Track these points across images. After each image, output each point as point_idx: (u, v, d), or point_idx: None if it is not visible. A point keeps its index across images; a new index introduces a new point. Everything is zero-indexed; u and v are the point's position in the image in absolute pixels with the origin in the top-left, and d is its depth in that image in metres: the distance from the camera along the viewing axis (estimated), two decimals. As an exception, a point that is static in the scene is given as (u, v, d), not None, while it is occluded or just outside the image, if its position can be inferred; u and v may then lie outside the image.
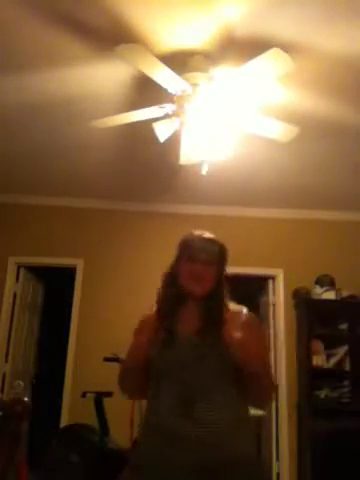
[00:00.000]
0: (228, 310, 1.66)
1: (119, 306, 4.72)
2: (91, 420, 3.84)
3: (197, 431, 1.50)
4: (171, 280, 1.70)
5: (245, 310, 1.69)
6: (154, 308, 1.73)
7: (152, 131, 2.86)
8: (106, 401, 3.83)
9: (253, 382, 1.57)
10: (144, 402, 3.42)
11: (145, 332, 1.67)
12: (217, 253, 1.69)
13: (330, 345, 4.47)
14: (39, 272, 5.25)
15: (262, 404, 2.38)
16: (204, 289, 1.65)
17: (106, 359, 3.78)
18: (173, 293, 1.68)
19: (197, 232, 1.74)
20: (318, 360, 4.41)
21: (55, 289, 5.60)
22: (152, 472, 1.54)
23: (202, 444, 1.50)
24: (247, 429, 1.62)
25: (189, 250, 1.67)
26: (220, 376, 1.58)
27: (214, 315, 1.62)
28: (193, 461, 1.49)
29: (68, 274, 4.88)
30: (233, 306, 1.70)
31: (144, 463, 1.58)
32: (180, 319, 1.64)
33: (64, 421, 4.42)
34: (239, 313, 1.67)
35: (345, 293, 4.57)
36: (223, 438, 1.52)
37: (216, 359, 1.57)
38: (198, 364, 1.56)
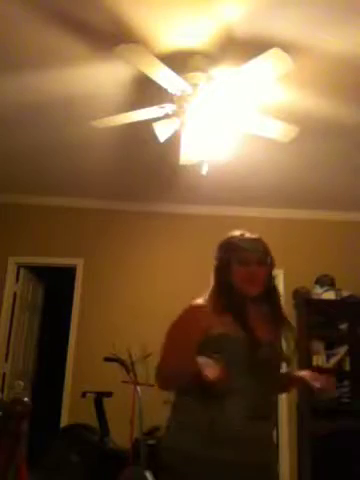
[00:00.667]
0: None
1: (119, 306, 4.72)
2: (91, 420, 3.85)
3: (265, 432, 1.56)
4: (226, 281, 1.66)
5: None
6: (201, 304, 1.65)
7: (152, 131, 2.85)
8: (106, 401, 3.84)
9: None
10: (145, 403, 3.40)
11: (196, 328, 1.58)
12: (266, 252, 1.68)
13: (330, 345, 4.47)
14: (39, 272, 5.25)
15: None
16: (259, 289, 1.64)
17: (106, 359, 3.79)
18: (233, 294, 1.63)
19: (238, 232, 1.73)
20: (318, 360, 4.41)
21: (55, 289, 5.60)
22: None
23: (268, 445, 1.57)
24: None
25: (239, 252, 1.65)
26: (278, 380, 1.64)
27: (279, 316, 1.67)
28: (258, 461, 1.53)
29: (68, 274, 4.87)
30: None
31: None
32: (249, 320, 1.60)
33: (64, 421, 4.41)
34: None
35: (345, 293, 4.56)
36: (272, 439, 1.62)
37: (279, 363, 1.63)
38: (274, 366, 1.60)
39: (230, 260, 1.66)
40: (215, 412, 1.51)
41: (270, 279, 1.68)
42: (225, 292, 1.64)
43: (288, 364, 1.63)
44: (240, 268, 1.63)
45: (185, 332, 1.61)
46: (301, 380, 1.66)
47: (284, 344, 1.64)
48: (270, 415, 1.59)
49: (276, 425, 1.72)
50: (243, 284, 1.62)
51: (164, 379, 1.62)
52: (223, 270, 1.67)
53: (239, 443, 1.50)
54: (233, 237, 1.71)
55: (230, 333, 1.55)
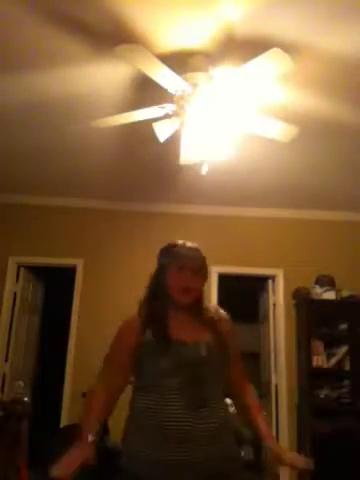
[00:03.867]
0: (212, 313, 1.76)
1: (119, 306, 4.71)
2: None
3: (203, 429, 1.55)
4: (158, 288, 1.73)
5: (222, 312, 1.80)
6: (135, 316, 1.75)
7: (152, 131, 2.86)
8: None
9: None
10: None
11: (128, 340, 1.69)
12: (204, 262, 1.73)
13: (330, 345, 4.47)
14: (39, 272, 5.25)
15: None
16: (191, 299, 1.69)
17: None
18: (161, 300, 1.71)
19: (181, 241, 1.76)
20: (318, 360, 4.41)
21: (55, 289, 5.60)
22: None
23: (208, 442, 1.55)
24: (230, 426, 1.70)
25: (178, 259, 1.69)
26: (215, 379, 1.65)
27: (203, 318, 1.71)
28: (201, 459, 1.53)
29: (68, 274, 4.88)
30: (210, 304, 1.82)
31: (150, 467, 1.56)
32: (172, 325, 1.67)
33: (64, 421, 4.42)
34: (226, 319, 1.78)
35: (345, 293, 4.57)
36: (220, 436, 1.60)
37: (214, 362, 1.64)
38: (201, 366, 1.61)
39: (168, 266, 1.71)
40: (152, 413, 1.60)
41: (201, 291, 1.74)
42: (155, 298, 1.72)
43: (224, 362, 1.67)
44: (176, 275, 1.67)
45: (117, 344, 1.74)
46: (274, 450, 1.72)
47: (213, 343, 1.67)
48: (203, 408, 1.57)
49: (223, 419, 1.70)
50: (177, 292, 1.67)
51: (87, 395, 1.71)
52: (159, 275, 1.74)
53: (182, 441, 1.53)
54: (174, 244, 1.75)
55: (150, 340, 1.63)
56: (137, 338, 1.66)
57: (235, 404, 1.95)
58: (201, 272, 1.71)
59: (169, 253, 1.74)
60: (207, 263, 1.74)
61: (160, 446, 1.54)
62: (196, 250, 1.73)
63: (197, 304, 1.72)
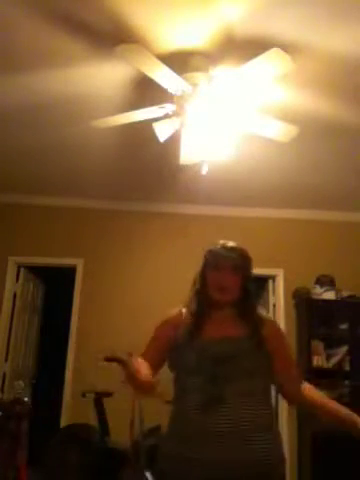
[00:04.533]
0: (261, 316, 1.76)
1: (119, 306, 4.72)
2: (91, 420, 3.84)
3: (222, 426, 1.54)
4: (200, 288, 1.76)
5: (268, 316, 1.84)
6: (176, 312, 1.80)
7: (152, 131, 2.86)
8: (106, 401, 3.83)
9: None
10: (145, 403, 3.39)
11: (165, 332, 1.74)
12: (240, 260, 1.75)
13: (330, 345, 4.47)
14: (39, 272, 5.25)
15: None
16: (229, 297, 1.72)
17: (107, 359, 3.78)
18: (202, 300, 1.74)
19: (222, 241, 1.81)
20: (318, 360, 4.41)
21: (55, 289, 5.60)
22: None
23: (233, 441, 1.54)
24: (273, 430, 1.65)
25: (214, 259, 1.75)
26: (244, 376, 1.62)
27: (248, 318, 1.71)
28: (224, 458, 1.52)
29: (68, 274, 4.87)
30: (263, 313, 1.81)
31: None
32: (209, 322, 1.70)
33: (64, 421, 4.41)
34: (277, 327, 1.80)
35: (345, 293, 4.57)
36: (249, 436, 1.55)
37: (244, 359, 1.62)
38: (223, 362, 1.60)
39: (207, 265, 1.76)
40: (174, 411, 1.66)
41: (246, 286, 1.75)
42: (195, 298, 1.76)
43: (260, 361, 1.65)
44: (212, 273, 1.73)
45: (154, 338, 1.78)
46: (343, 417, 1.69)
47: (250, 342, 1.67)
48: (219, 405, 1.56)
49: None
50: (214, 291, 1.71)
51: None
52: (199, 276, 1.78)
53: (197, 439, 1.54)
54: (214, 244, 1.81)
55: (182, 336, 1.67)
56: (174, 334, 1.70)
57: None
58: (239, 270, 1.72)
59: (209, 253, 1.79)
60: (249, 262, 1.77)
61: (182, 443, 1.57)
62: (234, 249, 1.77)
63: (242, 304, 1.73)
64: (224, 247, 1.77)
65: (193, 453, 1.53)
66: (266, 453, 1.55)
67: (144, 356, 1.69)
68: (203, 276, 1.76)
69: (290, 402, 1.88)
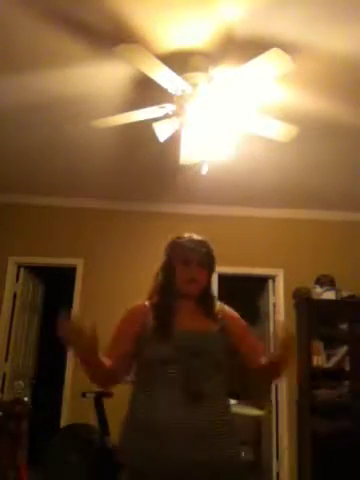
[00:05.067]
0: (219, 306, 1.80)
1: (119, 306, 4.71)
2: (91, 420, 3.84)
3: (200, 424, 1.53)
4: (165, 280, 1.77)
5: (226, 306, 1.83)
6: (141, 305, 1.78)
7: (152, 131, 2.86)
8: (106, 401, 3.83)
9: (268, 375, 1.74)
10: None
11: (133, 323, 1.71)
12: (209, 254, 1.77)
13: (330, 345, 4.47)
14: (39, 272, 5.25)
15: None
16: (197, 289, 1.74)
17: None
18: (168, 292, 1.75)
19: (187, 234, 1.81)
20: (318, 360, 4.41)
21: (55, 289, 5.60)
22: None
23: (207, 437, 1.53)
24: (233, 425, 1.67)
25: (183, 253, 1.75)
26: (216, 373, 1.64)
27: (210, 311, 1.74)
28: (201, 459, 1.51)
29: (68, 274, 4.87)
30: (218, 302, 1.84)
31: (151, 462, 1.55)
32: (177, 314, 1.70)
33: (64, 421, 4.41)
34: (232, 312, 1.81)
35: (345, 293, 4.57)
36: (220, 435, 1.57)
37: (216, 354, 1.65)
38: (199, 357, 1.61)
39: (173, 259, 1.76)
40: (144, 406, 1.60)
41: (209, 281, 1.78)
42: (161, 290, 1.76)
43: (227, 355, 1.68)
44: (181, 266, 1.73)
45: (119, 330, 1.73)
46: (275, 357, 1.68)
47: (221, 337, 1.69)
48: (200, 401, 1.55)
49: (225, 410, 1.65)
50: (183, 283, 1.73)
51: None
52: (166, 269, 1.78)
53: (166, 435, 1.52)
54: (179, 238, 1.81)
55: (152, 328, 1.66)
56: (142, 326, 1.68)
57: (259, 380, 1.94)
58: (206, 264, 1.75)
59: (175, 246, 1.79)
60: (214, 255, 1.79)
61: (156, 441, 1.52)
62: (202, 242, 1.78)
63: (205, 296, 1.76)
64: (192, 240, 1.77)
65: (164, 450, 1.50)
66: (238, 453, 1.62)
67: (111, 350, 1.67)
68: (169, 268, 1.76)
69: (254, 373, 1.83)
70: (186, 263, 1.72)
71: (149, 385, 1.62)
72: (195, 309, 1.74)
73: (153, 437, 1.53)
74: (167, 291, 1.75)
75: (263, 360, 1.71)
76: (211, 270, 1.78)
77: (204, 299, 1.76)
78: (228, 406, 1.69)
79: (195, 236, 1.80)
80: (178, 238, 1.80)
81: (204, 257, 1.75)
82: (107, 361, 1.62)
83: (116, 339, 1.72)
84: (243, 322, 1.80)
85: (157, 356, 1.62)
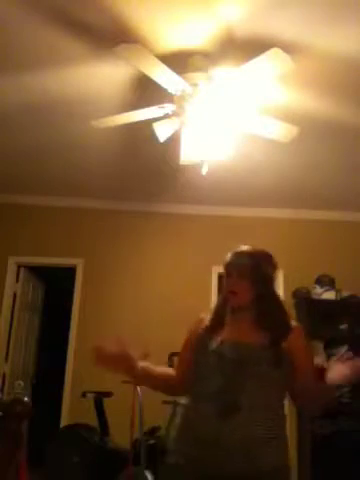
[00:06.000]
0: (288, 322, 1.77)
1: (119, 306, 4.72)
2: (91, 420, 3.84)
3: (233, 438, 1.52)
4: (219, 296, 1.85)
5: (294, 322, 1.81)
6: (201, 316, 1.83)
7: (152, 131, 2.85)
8: (106, 401, 3.83)
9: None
10: (145, 403, 3.40)
11: (190, 339, 1.78)
12: (248, 265, 1.73)
13: (330, 345, 4.47)
14: (39, 272, 5.25)
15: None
16: (239, 301, 1.72)
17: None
18: (221, 304, 1.79)
19: (243, 246, 1.82)
20: (318, 360, 4.41)
21: (55, 289, 5.60)
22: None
23: (242, 453, 1.51)
24: (283, 440, 1.68)
25: (225, 266, 1.78)
26: (259, 382, 1.59)
27: (266, 323, 1.70)
28: (232, 471, 1.51)
29: (68, 274, 4.87)
30: (290, 319, 1.81)
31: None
32: (226, 326, 1.72)
33: (64, 421, 4.42)
34: (302, 337, 1.76)
35: (345, 293, 4.57)
36: (260, 447, 1.54)
37: (258, 364, 1.60)
38: (240, 368, 1.59)
39: (224, 272, 1.79)
40: (186, 414, 1.67)
41: (258, 288, 1.72)
42: (216, 303, 1.82)
43: (276, 368, 1.61)
44: (226, 280, 1.76)
45: (183, 345, 1.82)
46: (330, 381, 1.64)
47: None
48: (235, 414, 1.54)
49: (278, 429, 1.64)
50: (226, 296, 1.75)
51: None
52: (222, 284, 1.83)
53: (203, 446, 1.53)
54: (232, 251, 1.82)
55: (199, 339, 1.71)
56: (196, 338, 1.74)
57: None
58: (248, 275, 1.71)
59: (225, 260, 1.81)
60: (263, 265, 1.75)
61: (193, 448, 1.57)
62: (243, 254, 1.77)
63: (256, 307, 1.71)
64: (235, 253, 1.78)
65: (198, 461, 1.54)
66: (272, 467, 1.56)
67: (178, 366, 1.79)
68: (222, 283, 1.81)
69: (300, 406, 1.88)
70: (228, 276, 1.75)
71: (191, 395, 1.68)
72: (249, 321, 1.71)
73: (191, 446, 1.58)
74: (220, 303, 1.79)
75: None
76: (256, 280, 1.71)
77: (259, 311, 1.71)
78: (271, 419, 1.61)
79: (240, 248, 1.80)
80: (231, 252, 1.82)
81: (244, 268, 1.71)
82: (172, 372, 1.77)
83: (181, 355, 1.83)
84: (308, 351, 1.79)
85: (197, 366, 1.66)
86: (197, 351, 1.69)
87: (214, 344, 1.65)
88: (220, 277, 1.71)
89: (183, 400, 1.77)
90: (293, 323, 1.78)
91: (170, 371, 1.81)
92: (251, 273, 1.71)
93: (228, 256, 1.78)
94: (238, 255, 1.77)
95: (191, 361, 1.70)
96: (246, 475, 1.51)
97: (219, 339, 1.65)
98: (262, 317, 1.70)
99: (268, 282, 1.76)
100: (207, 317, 1.79)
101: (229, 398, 1.55)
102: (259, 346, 1.62)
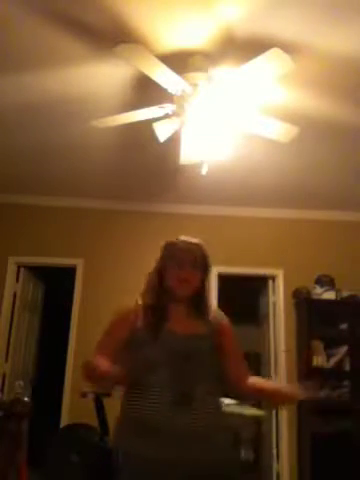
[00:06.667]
0: (216, 313, 1.81)
1: (119, 305, 4.72)
2: (91, 420, 3.84)
3: (187, 428, 1.54)
4: (158, 281, 1.78)
5: (221, 313, 1.84)
6: (131, 306, 1.80)
7: (152, 131, 2.86)
8: (106, 401, 3.83)
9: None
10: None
11: (121, 328, 1.72)
12: (203, 257, 1.78)
13: (330, 345, 4.47)
14: (39, 272, 5.25)
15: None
16: (189, 291, 1.74)
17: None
18: (160, 294, 1.75)
19: (182, 236, 1.83)
20: (318, 360, 4.41)
21: (55, 289, 5.60)
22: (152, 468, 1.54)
23: (196, 442, 1.54)
24: (226, 428, 1.70)
25: (175, 253, 1.76)
26: (206, 375, 1.65)
27: (202, 313, 1.74)
28: (188, 460, 1.53)
29: (68, 274, 4.87)
30: (214, 307, 1.85)
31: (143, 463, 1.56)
32: (169, 317, 1.71)
33: (64, 421, 4.41)
34: (229, 324, 1.81)
35: (345, 293, 4.57)
36: (210, 436, 1.58)
37: (205, 357, 1.66)
38: (190, 359, 1.62)
39: (167, 261, 1.78)
40: (135, 406, 1.62)
41: (203, 283, 1.78)
42: (152, 291, 1.78)
43: (217, 359, 1.69)
44: (174, 269, 1.74)
45: (108, 332, 1.77)
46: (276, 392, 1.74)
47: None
48: (190, 404, 1.57)
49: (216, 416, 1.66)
50: (174, 283, 1.73)
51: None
52: (159, 270, 1.79)
53: (159, 436, 1.54)
54: (174, 240, 1.83)
55: (142, 330, 1.67)
56: (131, 328, 1.69)
57: (241, 399, 1.96)
58: (199, 265, 1.75)
59: (170, 248, 1.81)
60: (208, 259, 1.80)
61: (146, 442, 1.54)
62: (196, 245, 1.79)
63: (198, 299, 1.76)
64: (186, 242, 1.79)
65: (158, 453, 1.53)
66: (230, 453, 1.65)
67: (100, 352, 1.67)
68: (162, 270, 1.78)
69: (235, 396, 1.93)
70: (179, 264, 1.73)
71: (140, 387, 1.63)
72: (187, 312, 1.74)
73: (142, 438, 1.55)
74: (158, 292, 1.75)
75: (251, 383, 1.75)
76: (205, 273, 1.78)
77: (196, 302, 1.76)
78: (220, 408, 1.69)
79: (191, 239, 1.81)
80: (172, 241, 1.82)
81: (198, 260, 1.75)
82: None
83: (103, 342, 1.75)
84: (234, 338, 1.81)
85: (147, 359, 1.64)
86: (139, 342, 1.66)
87: (161, 335, 1.64)
88: (219, 276, 1.68)
89: (118, 392, 1.72)
90: (219, 313, 1.84)
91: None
92: (202, 265, 1.77)
93: (177, 243, 1.79)
94: (191, 246, 1.78)
95: (115, 354, 1.67)
96: (202, 464, 1.54)
97: (165, 330, 1.66)
98: (200, 308, 1.75)
99: (208, 277, 1.81)
100: (137, 305, 1.76)
101: (183, 388, 1.58)
102: (202, 336, 1.67)
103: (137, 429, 1.58)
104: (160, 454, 1.52)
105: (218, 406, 1.68)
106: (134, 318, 1.71)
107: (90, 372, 1.50)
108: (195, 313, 1.74)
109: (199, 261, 1.76)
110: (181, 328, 1.68)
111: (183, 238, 1.81)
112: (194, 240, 1.81)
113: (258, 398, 1.83)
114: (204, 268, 1.78)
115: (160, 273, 1.78)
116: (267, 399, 1.79)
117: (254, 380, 1.79)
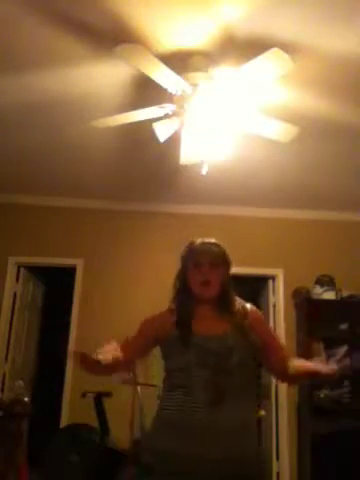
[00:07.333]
0: (243, 307, 1.81)
1: (119, 306, 4.72)
2: (91, 420, 3.84)
3: (224, 425, 1.57)
4: (182, 286, 1.81)
5: (251, 306, 1.84)
6: (163, 311, 1.84)
7: (152, 131, 2.86)
8: (106, 401, 3.83)
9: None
10: (144, 402, 3.41)
11: (153, 327, 1.79)
12: (221, 255, 1.80)
13: (330, 345, 4.47)
14: (39, 272, 5.25)
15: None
16: (213, 291, 1.76)
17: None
18: (185, 297, 1.78)
19: (200, 239, 1.84)
20: (318, 360, 4.40)
21: (55, 289, 5.60)
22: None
23: (229, 438, 1.58)
24: (254, 427, 1.72)
25: (194, 256, 1.79)
26: (240, 370, 1.66)
27: (229, 312, 1.75)
28: (220, 457, 1.55)
29: (68, 274, 4.87)
30: (239, 300, 1.84)
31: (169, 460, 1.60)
32: (197, 319, 1.73)
33: (64, 421, 4.41)
34: (259, 314, 1.85)
35: (345, 293, 4.57)
36: (241, 435, 1.61)
37: (238, 357, 1.66)
38: (220, 361, 1.64)
39: (186, 263, 1.80)
40: (169, 407, 1.67)
41: (226, 280, 1.80)
42: (178, 296, 1.81)
43: (250, 356, 1.70)
44: (194, 270, 1.77)
45: (138, 331, 1.83)
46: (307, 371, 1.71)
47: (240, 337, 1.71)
48: (222, 404, 1.60)
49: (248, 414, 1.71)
50: (196, 287, 1.76)
51: None
52: (180, 275, 1.83)
53: (190, 435, 1.57)
54: (191, 242, 1.85)
55: (172, 334, 1.71)
56: (162, 330, 1.73)
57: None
58: (218, 263, 1.77)
59: (187, 251, 1.83)
60: (226, 254, 1.82)
61: (180, 441, 1.58)
62: (212, 244, 1.81)
63: (223, 298, 1.78)
64: (202, 243, 1.81)
65: (186, 449, 1.56)
66: (258, 451, 1.67)
67: (128, 345, 1.74)
68: (184, 274, 1.80)
69: (281, 381, 1.97)
70: (198, 266, 1.75)
71: (175, 388, 1.68)
72: (213, 311, 1.76)
73: (178, 437, 1.59)
74: (183, 297, 1.78)
75: (290, 368, 1.72)
76: (226, 268, 1.80)
77: (222, 300, 1.77)
78: (252, 406, 1.72)
79: (206, 239, 1.83)
80: (190, 244, 1.84)
81: (215, 257, 1.77)
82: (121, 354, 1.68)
83: (129, 338, 1.81)
84: (267, 324, 1.84)
85: (180, 363, 1.67)
86: (171, 347, 1.70)
87: (192, 338, 1.66)
88: (183, 270, 1.66)
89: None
90: (248, 305, 1.84)
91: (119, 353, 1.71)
92: (222, 260, 1.79)
93: (195, 246, 1.81)
94: (207, 245, 1.80)
95: (144, 349, 1.78)
96: (234, 460, 1.57)
97: (194, 332, 1.68)
98: (226, 305, 1.76)
99: (229, 276, 1.83)
100: (169, 310, 1.80)
101: (216, 388, 1.60)
102: (233, 335, 1.68)
103: (172, 430, 1.62)
104: (192, 452, 1.56)
105: (251, 404, 1.71)
106: (165, 321, 1.75)
107: (83, 358, 1.59)
108: (222, 312, 1.75)
109: (217, 258, 1.78)
110: (210, 328, 1.69)
111: (200, 240, 1.84)
112: (211, 240, 1.84)
113: (301, 382, 1.86)
114: (224, 264, 1.80)
115: (183, 277, 1.81)
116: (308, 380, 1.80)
117: (295, 367, 1.73)
